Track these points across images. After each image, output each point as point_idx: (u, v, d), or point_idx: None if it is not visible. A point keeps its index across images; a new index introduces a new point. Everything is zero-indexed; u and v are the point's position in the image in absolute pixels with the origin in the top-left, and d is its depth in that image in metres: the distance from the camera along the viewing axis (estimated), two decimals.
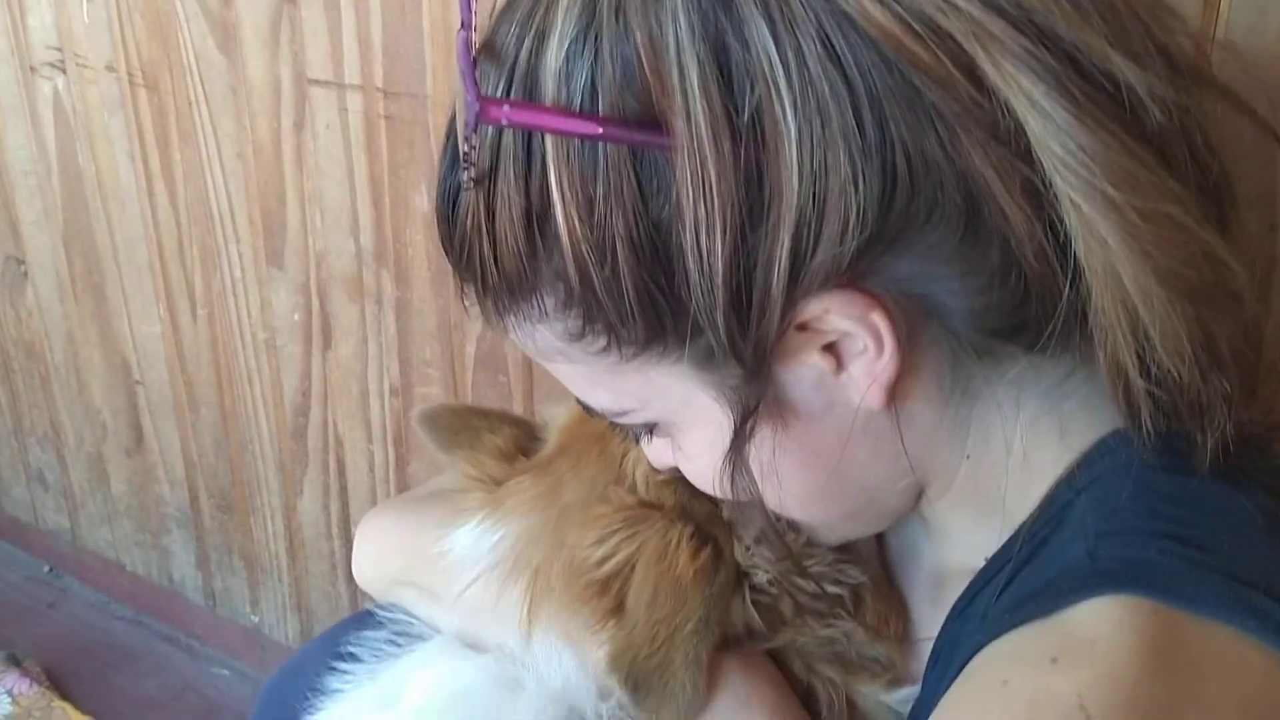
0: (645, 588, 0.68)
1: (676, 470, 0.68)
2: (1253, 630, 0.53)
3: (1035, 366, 0.59)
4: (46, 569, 1.97)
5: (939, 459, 0.62)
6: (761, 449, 0.59)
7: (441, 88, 1.14)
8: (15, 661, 1.72)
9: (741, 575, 0.69)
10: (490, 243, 0.56)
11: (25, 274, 1.67)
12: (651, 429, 0.65)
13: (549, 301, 0.57)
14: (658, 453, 0.68)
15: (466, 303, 0.62)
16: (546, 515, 0.74)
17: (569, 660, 0.70)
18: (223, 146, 1.35)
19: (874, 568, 0.73)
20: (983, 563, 0.64)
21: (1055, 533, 0.60)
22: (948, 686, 0.57)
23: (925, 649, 0.69)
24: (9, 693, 1.67)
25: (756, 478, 0.60)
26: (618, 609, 0.69)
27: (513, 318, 0.60)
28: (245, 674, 1.76)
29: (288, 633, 1.65)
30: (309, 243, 1.34)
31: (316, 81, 1.24)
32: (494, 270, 0.57)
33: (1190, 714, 0.51)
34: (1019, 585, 0.60)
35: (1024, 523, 0.61)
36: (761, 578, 0.69)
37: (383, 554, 0.86)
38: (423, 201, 1.21)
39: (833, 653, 0.72)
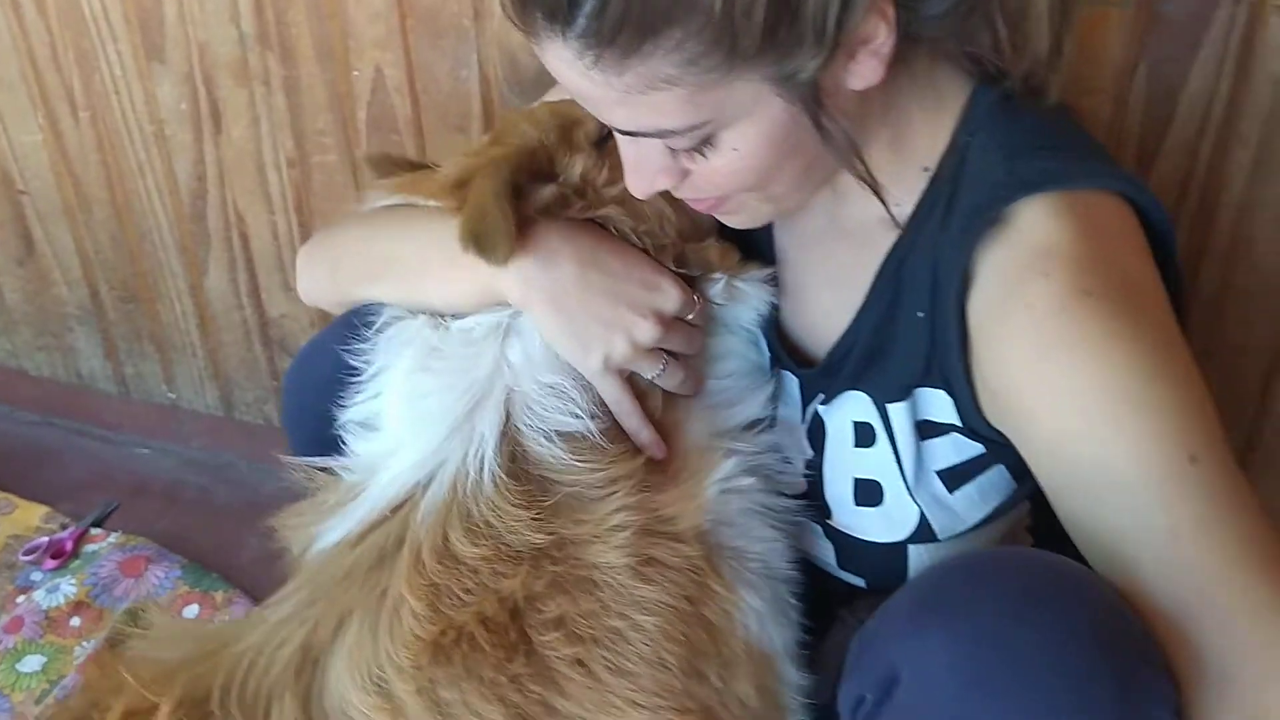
0: (477, 185, 0.91)
1: (678, 186, 0.87)
2: (1119, 188, 0.85)
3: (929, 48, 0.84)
4: None
5: (876, 127, 0.87)
6: (788, 131, 0.81)
7: None
8: None
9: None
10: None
11: None
12: (706, 140, 0.81)
13: (689, 29, 0.74)
14: (656, 165, 0.86)
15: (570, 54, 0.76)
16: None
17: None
18: None
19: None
20: (902, 211, 0.90)
21: (964, 168, 0.88)
22: (946, 296, 0.86)
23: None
24: None
25: (772, 160, 0.83)
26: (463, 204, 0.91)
27: (636, 58, 0.75)
28: (165, 449, 1.93)
29: (206, 403, 1.83)
30: (189, 34, 1.46)
31: None
32: (639, 11, 0.73)
33: (1113, 255, 0.82)
34: (958, 210, 0.87)
35: (940, 166, 0.89)
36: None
37: (338, 266, 1.05)
38: None
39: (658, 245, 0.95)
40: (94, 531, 1.75)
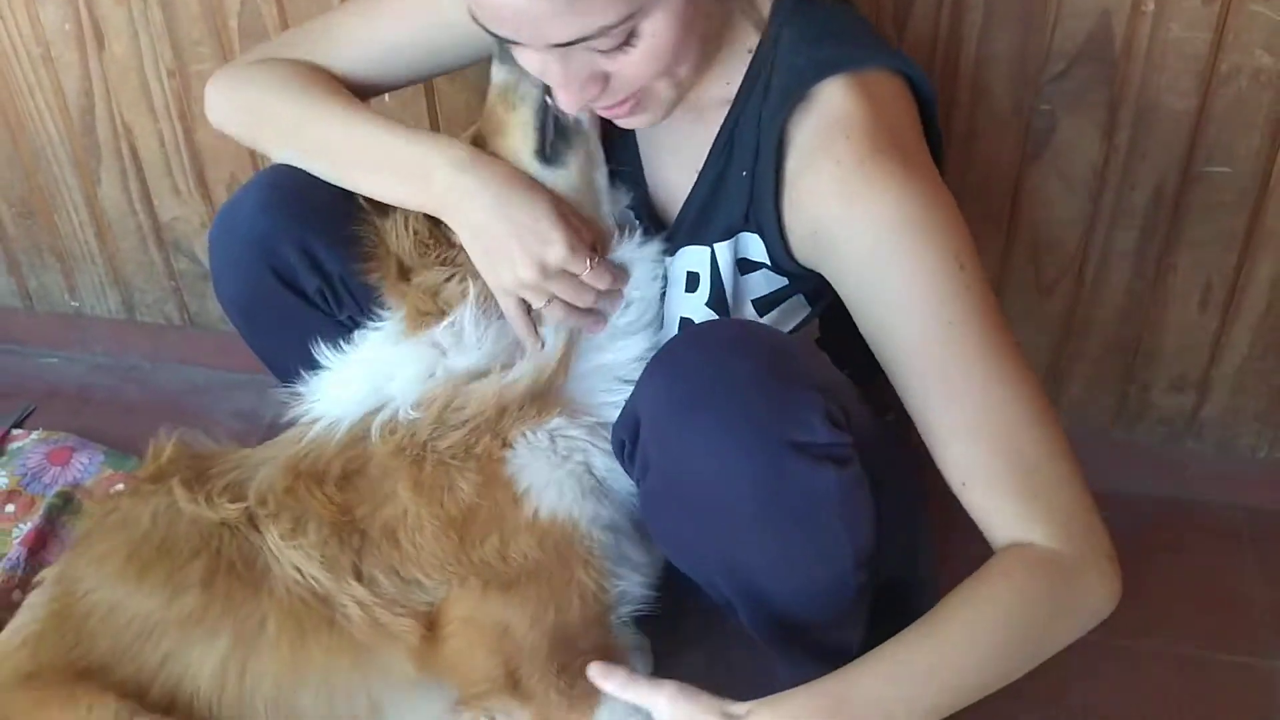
0: None
1: (599, 94, 1.03)
2: (895, 65, 1.09)
3: None
4: None
5: (716, 13, 1.08)
6: (695, 13, 1.00)
7: None
8: None
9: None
10: None
11: None
12: (630, 34, 0.97)
13: None
14: (584, 77, 1.01)
15: None
16: None
17: None
18: None
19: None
20: (730, 88, 1.13)
21: (776, 51, 1.11)
22: (765, 158, 1.08)
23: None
24: None
25: (687, 32, 1.01)
26: None
27: None
28: (71, 358, 2.08)
29: (109, 307, 1.99)
30: None
31: None
32: None
33: (894, 120, 1.07)
34: (774, 88, 1.09)
35: (758, 49, 1.11)
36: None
37: (261, 124, 1.24)
38: None
39: None
40: (15, 432, 1.91)
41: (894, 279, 1.03)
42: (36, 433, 1.89)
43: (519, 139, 1.17)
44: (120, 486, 1.79)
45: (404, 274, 1.19)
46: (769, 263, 1.16)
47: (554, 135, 1.16)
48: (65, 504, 1.75)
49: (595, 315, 1.18)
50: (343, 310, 1.25)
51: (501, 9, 0.96)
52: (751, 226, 1.16)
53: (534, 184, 1.14)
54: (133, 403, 1.99)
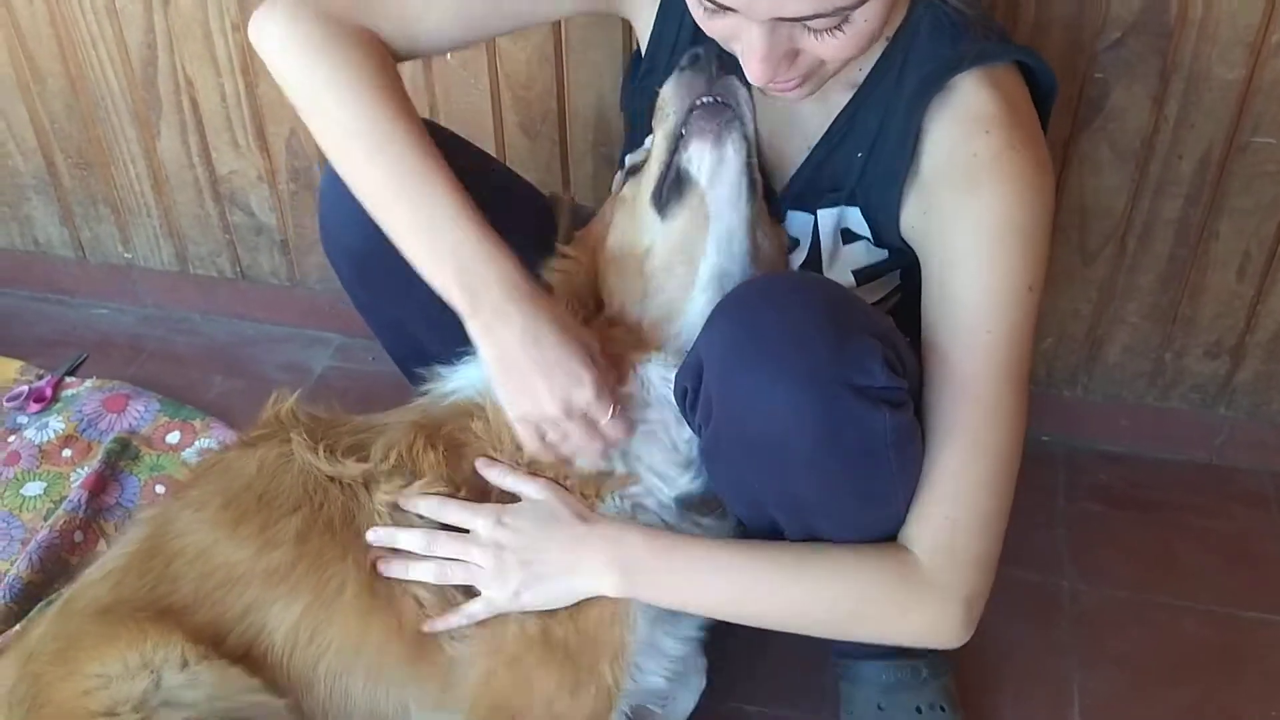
0: None
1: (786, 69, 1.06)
2: (1022, 59, 1.16)
3: None
4: None
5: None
6: (891, 8, 1.05)
7: None
8: None
9: None
10: None
11: None
12: (847, 17, 1.00)
13: None
14: (780, 52, 1.03)
15: None
16: None
17: None
18: None
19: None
20: (860, 74, 1.17)
21: (914, 42, 1.15)
22: (890, 141, 1.15)
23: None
24: None
25: (879, 27, 1.05)
26: None
27: None
28: (122, 309, 2.12)
29: (162, 259, 2.02)
30: None
31: None
32: None
33: (1026, 118, 1.13)
34: (910, 76, 1.14)
35: (894, 42, 1.15)
36: None
37: (329, 139, 1.15)
38: None
39: None
40: (69, 379, 1.94)
41: (971, 270, 1.10)
42: (91, 380, 1.93)
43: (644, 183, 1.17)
44: (176, 434, 1.84)
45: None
46: (869, 237, 1.23)
47: (670, 185, 1.14)
48: (123, 449, 1.79)
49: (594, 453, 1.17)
50: None
51: None
52: (855, 201, 1.22)
53: (574, 325, 1.14)
54: (183, 354, 2.03)
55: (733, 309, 1.07)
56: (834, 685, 1.43)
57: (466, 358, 1.21)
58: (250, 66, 1.73)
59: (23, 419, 1.86)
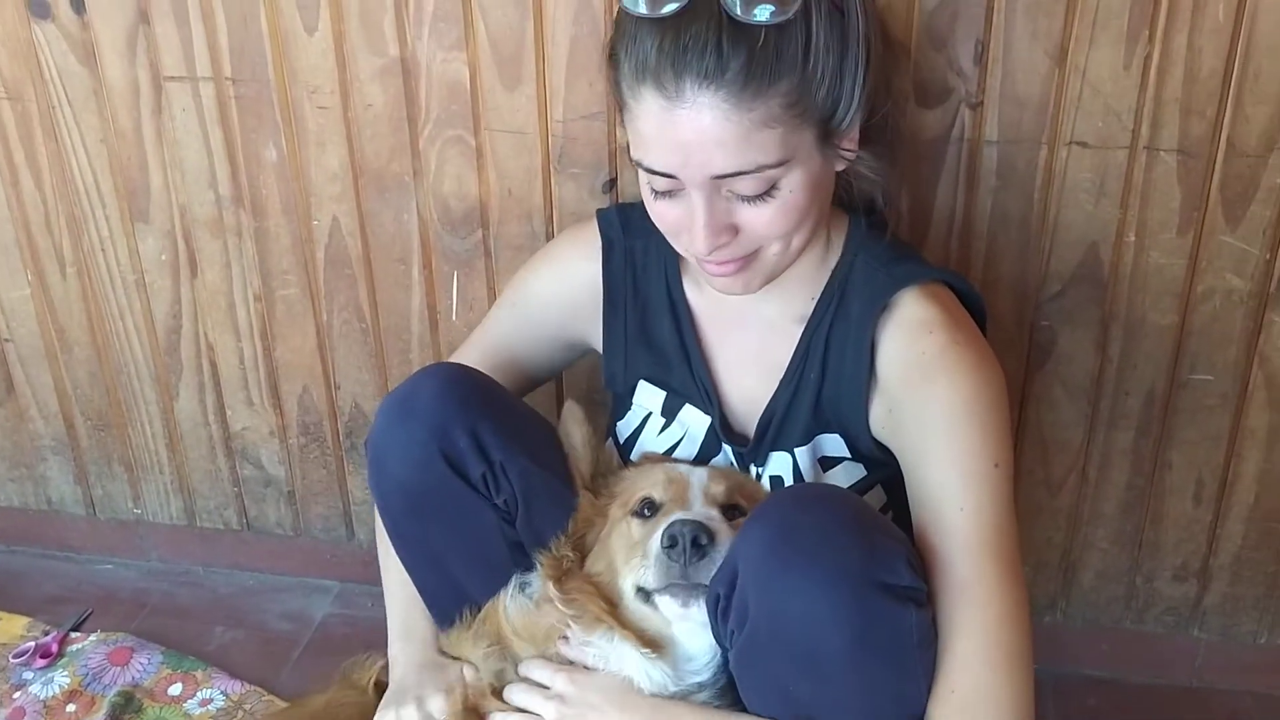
0: None
1: (728, 243, 1.21)
2: (946, 279, 1.32)
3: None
4: None
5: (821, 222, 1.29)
6: (818, 185, 1.20)
7: (279, 73, 1.66)
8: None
9: None
10: (804, 52, 1.12)
11: None
12: (773, 184, 1.16)
13: (793, 80, 1.12)
14: (722, 223, 1.19)
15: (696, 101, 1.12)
16: None
17: None
18: (86, 136, 1.77)
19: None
20: (806, 308, 1.34)
21: (850, 277, 1.32)
22: (843, 362, 1.31)
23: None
24: None
25: (811, 202, 1.20)
26: None
27: (760, 99, 1.11)
28: (127, 563, 2.18)
29: (171, 514, 2.10)
30: (172, 199, 1.80)
31: (171, 78, 1.70)
32: (769, 64, 1.10)
33: (963, 320, 1.29)
34: (854, 303, 1.31)
35: (835, 273, 1.33)
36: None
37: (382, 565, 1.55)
38: (272, 154, 1.72)
39: None
40: (74, 634, 1.98)
41: (939, 455, 1.21)
42: (95, 634, 1.97)
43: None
44: (178, 686, 1.87)
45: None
46: (849, 455, 1.35)
47: (645, 599, 1.29)
48: (127, 703, 1.82)
49: None
50: (499, 495, 1.36)
51: (684, 132, 1.13)
52: (827, 426, 1.36)
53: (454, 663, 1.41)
54: (186, 606, 2.08)
55: (768, 516, 1.16)
56: None
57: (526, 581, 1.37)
58: (268, 331, 1.87)
59: (28, 674, 1.89)
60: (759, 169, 1.16)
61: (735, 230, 1.22)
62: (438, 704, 1.36)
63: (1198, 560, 1.73)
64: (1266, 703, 1.80)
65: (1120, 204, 1.52)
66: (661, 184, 1.21)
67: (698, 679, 1.28)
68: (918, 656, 1.15)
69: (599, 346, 1.51)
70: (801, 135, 1.17)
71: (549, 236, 1.67)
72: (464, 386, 1.37)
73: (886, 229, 1.35)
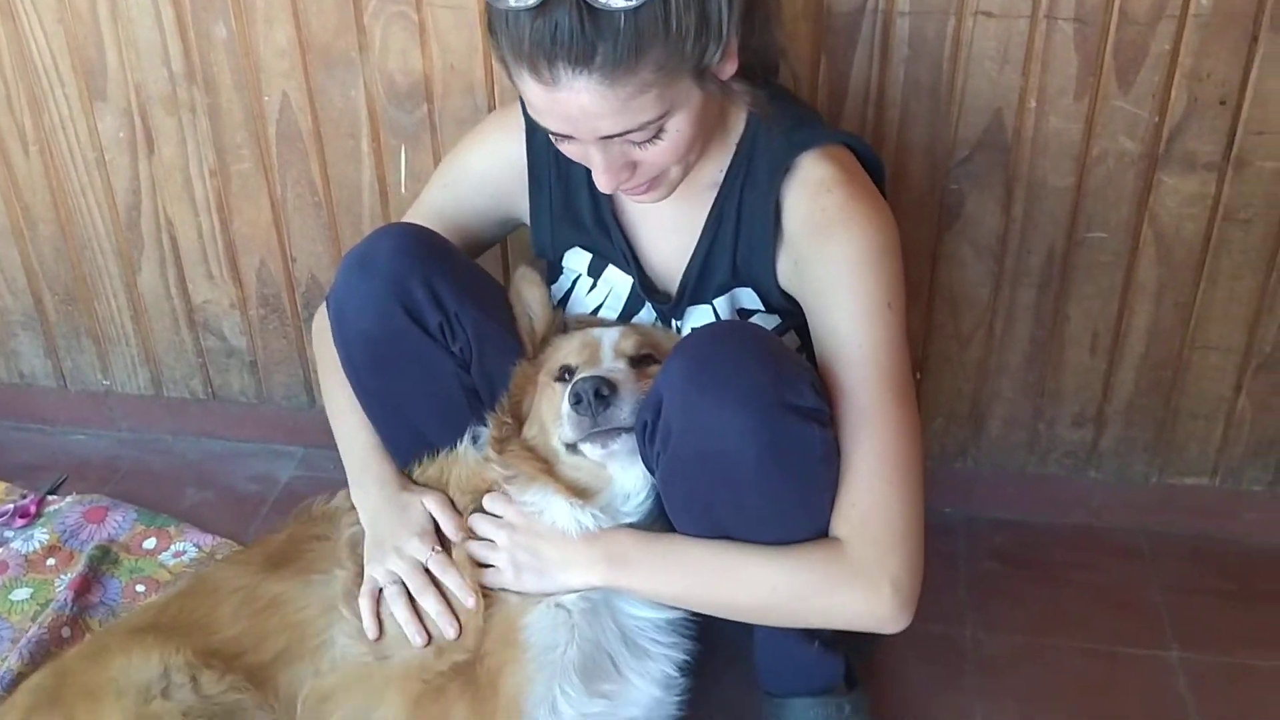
0: None
1: (629, 178, 1.32)
2: (846, 141, 1.43)
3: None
4: None
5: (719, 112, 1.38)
6: (703, 113, 1.29)
7: None
8: None
9: None
10: (665, 19, 1.17)
11: None
12: (660, 129, 1.25)
13: (661, 46, 1.18)
14: (619, 164, 1.29)
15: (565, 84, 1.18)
16: None
17: None
18: (43, 17, 1.83)
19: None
20: (717, 177, 1.44)
21: (756, 145, 1.42)
22: (754, 223, 1.42)
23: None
24: None
25: (699, 128, 1.30)
26: None
27: (632, 73, 1.18)
28: (99, 434, 2.28)
29: (139, 384, 2.21)
30: (128, 76, 1.87)
31: None
32: (635, 41, 1.16)
33: (860, 179, 1.42)
34: (759, 169, 1.41)
35: (740, 145, 1.43)
36: None
37: (323, 384, 1.64)
38: (222, 31, 1.79)
39: None
40: (51, 498, 2.10)
41: (839, 302, 1.34)
42: (72, 496, 2.08)
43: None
44: (152, 540, 1.99)
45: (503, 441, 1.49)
46: (762, 307, 1.47)
47: (573, 449, 1.42)
48: (104, 555, 1.94)
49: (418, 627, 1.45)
50: (455, 343, 1.48)
51: (569, 108, 1.22)
52: (742, 281, 1.47)
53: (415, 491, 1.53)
54: (157, 471, 2.20)
55: (687, 350, 1.30)
56: None
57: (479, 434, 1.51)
58: (226, 205, 1.96)
59: (9, 533, 2.01)
60: (643, 126, 1.24)
61: (634, 167, 1.31)
62: (414, 547, 1.48)
63: (1094, 406, 1.88)
64: (1156, 539, 1.97)
65: (1022, 72, 1.63)
66: (558, 135, 1.30)
67: (630, 520, 1.43)
68: (822, 471, 1.29)
69: (528, 221, 1.62)
70: (678, 86, 1.24)
71: (491, 109, 1.77)
72: (420, 243, 1.47)
73: (788, 93, 1.46)
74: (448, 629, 1.43)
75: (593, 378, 1.35)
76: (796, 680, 1.54)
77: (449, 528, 1.49)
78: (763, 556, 1.32)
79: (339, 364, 1.54)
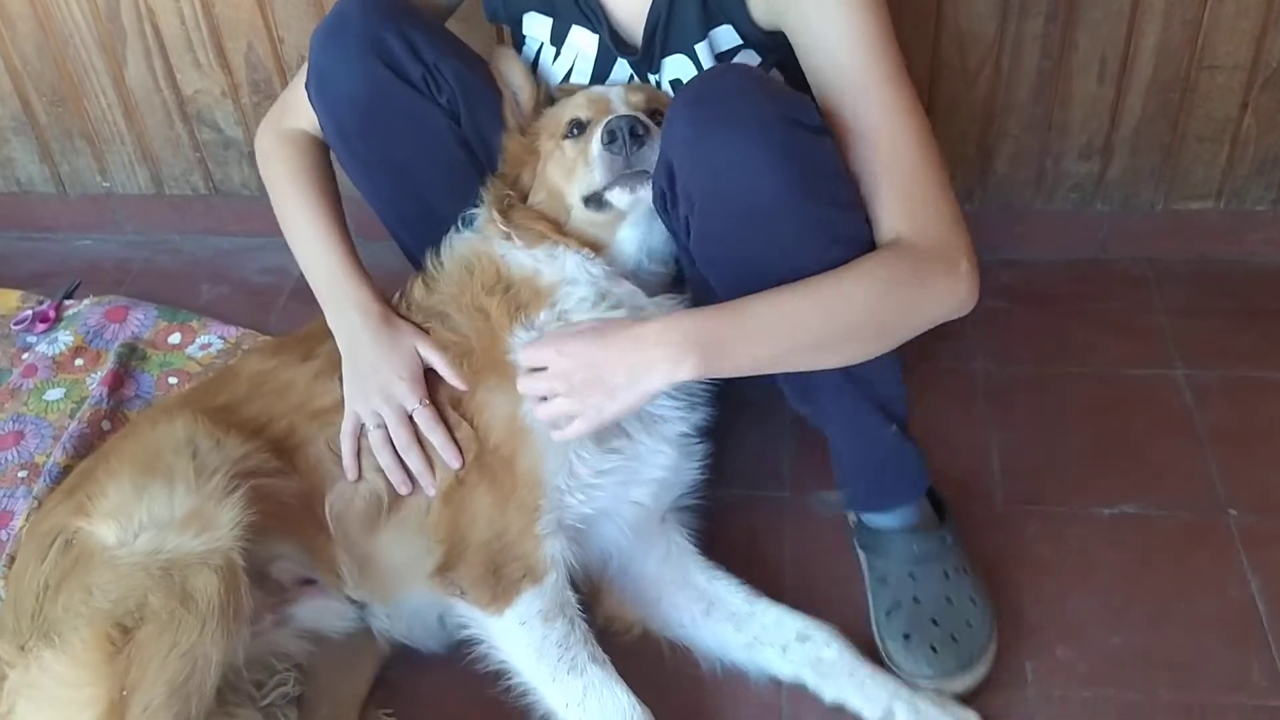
0: None
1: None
2: None
3: None
4: None
5: None
6: None
7: None
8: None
9: None
10: None
11: None
12: None
13: None
14: None
15: None
16: None
17: None
18: None
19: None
20: None
21: None
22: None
23: None
24: None
25: None
26: None
27: None
28: (105, 238, 2.28)
29: (139, 184, 2.19)
30: None
31: None
32: None
33: None
34: None
35: None
36: None
37: (272, 195, 1.58)
38: None
39: None
40: (68, 302, 2.11)
41: (831, 21, 1.30)
42: (90, 298, 2.10)
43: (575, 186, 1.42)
44: (177, 335, 2.02)
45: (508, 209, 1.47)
46: (743, 43, 1.42)
47: (597, 202, 1.40)
48: (131, 352, 1.97)
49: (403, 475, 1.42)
50: (441, 94, 1.46)
51: None
52: (716, 21, 1.42)
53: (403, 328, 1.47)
54: (170, 270, 2.21)
55: (683, 100, 1.26)
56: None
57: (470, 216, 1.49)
58: None
59: (32, 338, 2.03)
60: None
61: None
62: (403, 392, 1.42)
63: (1101, 137, 1.88)
64: (1160, 266, 2.01)
65: None
66: None
67: (647, 282, 1.44)
68: (840, 186, 1.27)
69: None
70: None
71: None
72: (387, 1, 1.43)
73: None
74: (429, 487, 1.41)
75: (627, 116, 1.33)
76: (885, 484, 1.51)
77: (453, 378, 1.43)
78: (839, 278, 1.26)
79: (291, 183, 1.53)
